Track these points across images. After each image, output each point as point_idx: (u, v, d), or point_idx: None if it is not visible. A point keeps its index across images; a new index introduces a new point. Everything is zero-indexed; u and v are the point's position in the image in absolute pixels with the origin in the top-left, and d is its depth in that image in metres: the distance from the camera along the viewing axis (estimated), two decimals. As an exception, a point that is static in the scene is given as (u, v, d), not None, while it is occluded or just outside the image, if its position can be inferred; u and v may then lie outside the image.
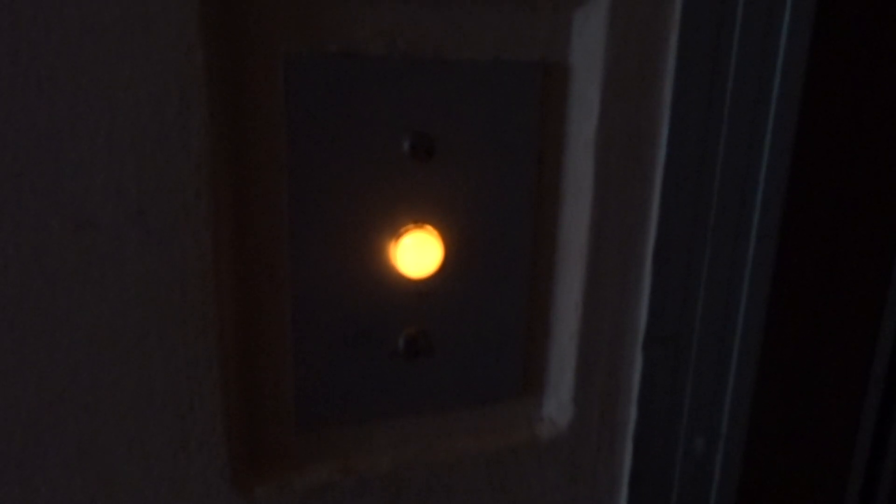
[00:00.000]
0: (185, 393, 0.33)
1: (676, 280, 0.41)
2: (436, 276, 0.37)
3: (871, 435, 0.58)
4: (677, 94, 0.38)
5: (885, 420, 0.58)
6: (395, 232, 0.36)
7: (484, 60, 0.36)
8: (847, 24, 0.47)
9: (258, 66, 0.33)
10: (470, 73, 0.35)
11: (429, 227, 0.36)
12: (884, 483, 0.59)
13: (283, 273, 0.35)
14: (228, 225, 0.33)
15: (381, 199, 0.36)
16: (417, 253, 0.36)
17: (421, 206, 0.36)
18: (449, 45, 0.35)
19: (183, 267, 0.32)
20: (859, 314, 0.55)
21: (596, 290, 0.40)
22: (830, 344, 0.55)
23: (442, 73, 0.35)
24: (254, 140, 0.34)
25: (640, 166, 0.39)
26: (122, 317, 0.32)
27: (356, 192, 0.35)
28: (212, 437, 0.34)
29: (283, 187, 0.34)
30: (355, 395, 0.38)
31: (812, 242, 0.51)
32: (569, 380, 0.42)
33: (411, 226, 0.36)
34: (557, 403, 0.42)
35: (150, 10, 0.29)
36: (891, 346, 0.57)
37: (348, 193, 0.35)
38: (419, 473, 0.40)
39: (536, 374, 0.42)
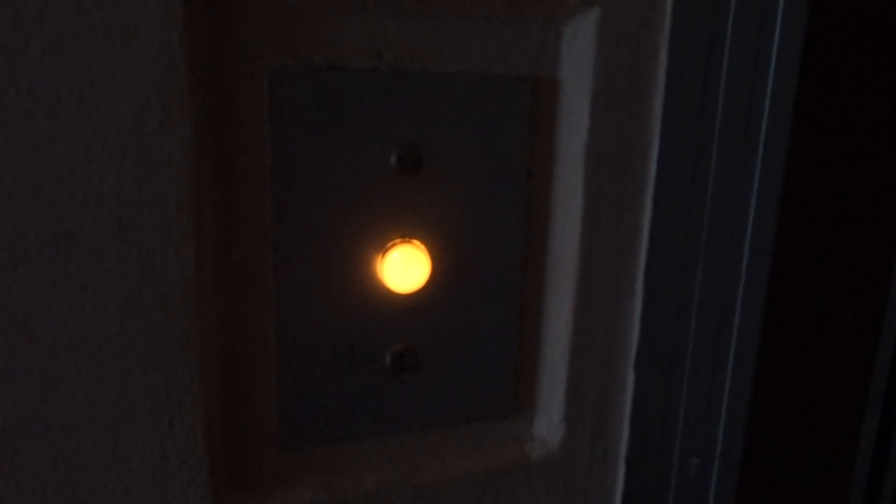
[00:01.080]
0: (165, 410, 0.33)
1: (669, 296, 0.41)
2: (423, 292, 0.37)
3: (871, 452, 0.57)
4: (668, 108, 0.38)
5: (885, 437, 0.57)
6: (382, 246, 0.36)
7: (472, 73, 0.36)
8: (839, 42, 0.47)
9: (243, 78, 0.32)
10: (458, 86, 0.35)
11: (416, 242, 0.36)
12: (884, 499, 0.57)
13: (267, 288, 0.35)
14: (211, 239, 0.33)
15: (368, 213, 0.35)
16: (404, 267, 0.35)
17: (408, 221, 0.36)
18: (436, 58, 0.35)
19: (164, 281, 0.31)
20: (857, 330, 0.54)
21: (587, 306, 0.40)
22: (827, 360, 0.54)
23: (429, 86, 0.35)
24: (238, 153, 0.33)
25: (630, 181, 0.39)
26: (100, 331, 0.31)
27: (342, 206, 0.35)
28: (192, 455, 0.33)
29: (268, 201, 0.34)
30: (341, 413, 0.37)
31: (807, 257, 0.50)
32: (560, 398, 0.41)
33: (398, 240, 0.36)
34: (548, 422, 0.42)
35: (133, 20, 0.29)
36: (889, 362, 0.56)
37: (334, 207, 0.35)
38: (406, 494, 0.39)
39: (527, 393, 0.42)
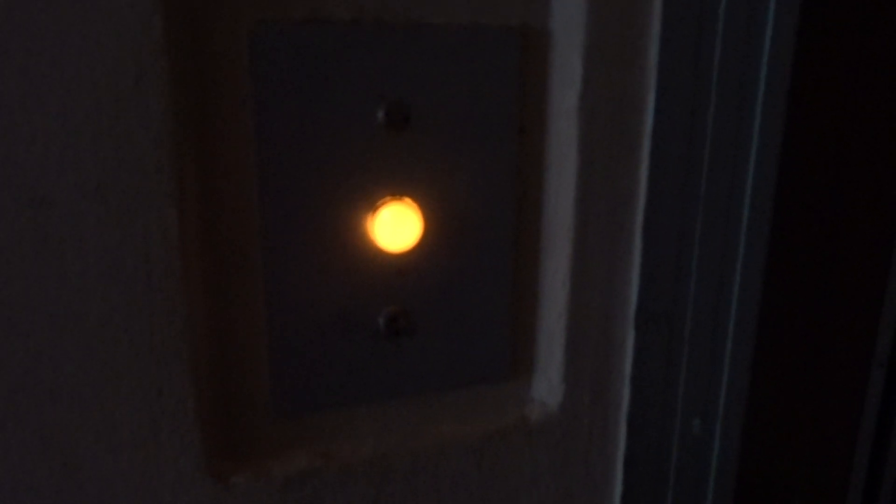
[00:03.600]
0: (154, 377, 0.32)
1: (668, 254, 0.40)
2: (416, 252, 0.36)
3: (876, 411, 0.56)
4: (663, 59, 0.37)
5: (889, 396, 0.56)
6: (372, 205, 0.35)
7: (459, 25, 0.34)
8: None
9: (221, 34, 0.31)
10: (445, 38, 0.34)
11: (407, 200, 0.35)
12: (890, 462, 0.57)
13: (254, 251, 0.34)
14: (194, 201, 0.32)
15: (356, 172, 0.34)
16: (396, 226, 0.34)
17: (398, 178, 0.35)
18: (421, 9, 0.34)
19: (146, 244, 0.31)
20: (860, 287, 0.54)
21: (584, 265, 0.39)
22: (830, 319, 0.53)
23: (415, 39, 0.34)
24: (219, 111, 0.32)
25: (626, 135, 0.38)
26: (83, 298, 0.30)
27: (329, 165, 0.34)
28: (183, 424, 0.33)
29: (252, 161, 0.33)
30: (334, 378, 0.36)
31: (810, 212, 0.49)
32: (558, 360, 0.40)
33: (389, 198, 0.35)
34: (547, 384, 0.41)
35: (103, -27, 0.27)
36: (895, 323, 0.55)
37: (321, 166, 0.34)
38: (404, 459, 0.38)
39: (524, 354, 0.41)
